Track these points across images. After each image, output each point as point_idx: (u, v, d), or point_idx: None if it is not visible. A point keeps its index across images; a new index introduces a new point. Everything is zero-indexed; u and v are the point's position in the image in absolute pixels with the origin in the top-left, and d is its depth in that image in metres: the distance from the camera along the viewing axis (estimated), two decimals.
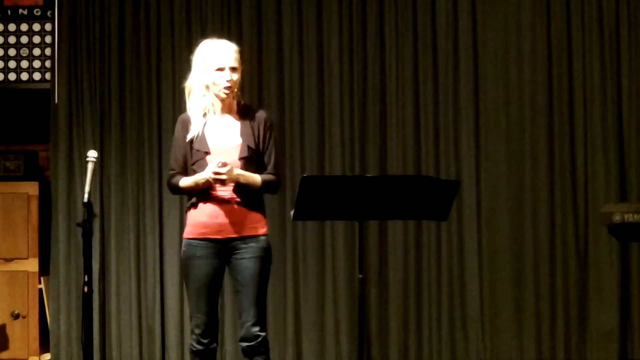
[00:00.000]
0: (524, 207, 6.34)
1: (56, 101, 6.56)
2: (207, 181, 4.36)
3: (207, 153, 4.40)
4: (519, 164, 6.36)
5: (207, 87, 4.44)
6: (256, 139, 4.45)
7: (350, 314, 6.35)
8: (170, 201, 6.49)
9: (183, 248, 4.51)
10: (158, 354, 6.48)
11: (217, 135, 4.44)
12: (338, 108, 6.45)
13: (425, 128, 6.42)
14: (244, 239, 4.43)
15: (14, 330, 6.50)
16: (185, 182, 4.46)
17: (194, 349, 4.47)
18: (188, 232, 4.49)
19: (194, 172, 4.41)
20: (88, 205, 4.84)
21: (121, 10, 6.56)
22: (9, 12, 6.64)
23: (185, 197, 6.40)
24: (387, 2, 6.44)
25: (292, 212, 4.48)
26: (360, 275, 4.45)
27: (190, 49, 6.42)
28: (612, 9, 6.32)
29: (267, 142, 4.49)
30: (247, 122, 4.47)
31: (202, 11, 6.53)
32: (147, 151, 6.53)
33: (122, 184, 6.54)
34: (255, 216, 4.46)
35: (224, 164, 4.29)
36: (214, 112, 4.47)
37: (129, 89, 6.55)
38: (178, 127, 4.53)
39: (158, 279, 6.48)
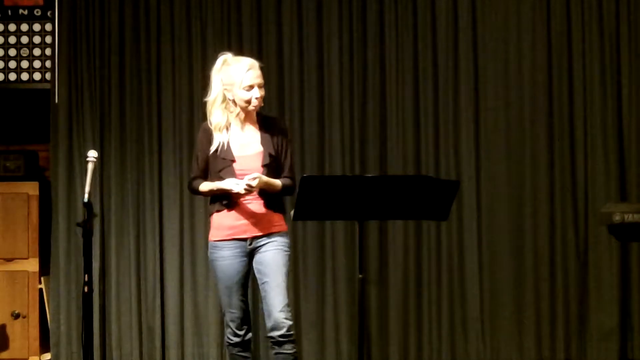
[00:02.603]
0: (524, 207, 6.35)
1: (56, 101, 6.56)
2: (223, 189, 4.61)
3: (233, 161, 4.64)
4: (519, 164, 6.36)
5: (234, 102, 4.67)
6: (275, 147, 4.69)
7: (350, 314, 6.35)
8: (171, 201, 6.49)
9: (211, 250, 4.76)
10: (158, 353, 6.47)
11: (240, 144, 4.68)
12: (338, 108, 6.45)
13: (425, 128, 6.42)
14: (268, 235, 4.67)
15: (14, 330, 6.50)
16: (206, 186, 4.71)
17: (231, 341, 4.71)
18: (214, 235, 4.74)
19: (220, 178, 4.64)
20: (88, 205, 4.85)
21: (121, 10, 6.55)
22: (9, 12, 6.64)
23: (183, 200, 6.45)
24: (387, 2, 6.44)
25: (292, 212, 4.49)
26: (360, 275, 4.46)
27: (190, 49, 6.52)
28: (612, 9, 6.32)
29: (284, 148, 4.72)
30: (266, 131, 4.72)
31: (202, 11, 6.53)
32: (147, 151, 6.53)
33: (122, 184, 6.54)
34: (277, 216, 4.70)
35: (255, 178, 4.54)
36: (237, 123, 4.70)
37: (129, 89, 6.55)
38: (201, 135, 4.74)
39: (158, 279, 6.48)
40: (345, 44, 6.45)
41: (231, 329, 4.70)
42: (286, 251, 4.69)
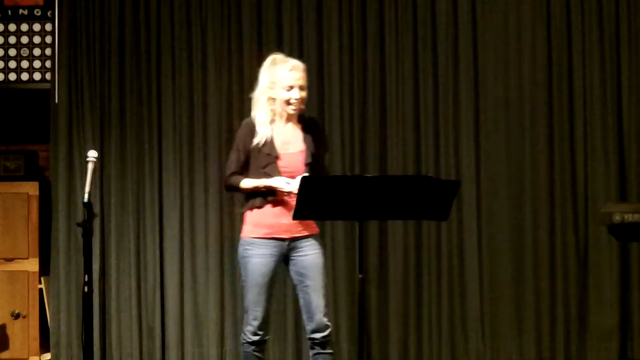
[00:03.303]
0: (524, 207, 6.34)
1: (56, 101, 6.56)
2: (271, 187, 4.69)
3: (278, 158, 4.73)
4: (519, 164, 6.36)
5: (274, 100, 4.76)
6: (315, 146, 4.81)
7: (350, 314, 6.35)
8: (171, 201, 6.49)
9: (245, 246, 4.76)
10: (158, 353, 6.48)
11: (283, 142, 4.77)
12: (338, 108, 6.45)
13: (425, 128, 6.42)
14: (306, 237, 4.77)
15: (14, 330, 6.50)
16: (249, 183, 4.74)
17: (249, 340, 4.74)
18: (251, 231, 4.76)
19: (265, 174, 4.70)
20: (88, 205, 4.86)
21: (121, 10, 6.56)
22: (9, 12, 6.64)
23: (183, 200, 6.45)
24: (387, 2, 6.44)
25: (292, 212, 4.48)
26: (360, 275, 4.45)
27: (190, 49, 6.52)
28: (612, 9, 6.32)
29: (322, 149, 4.87)
30: (307, 131, 4.84)
31: (202, 11, 6.53)
32: (147, 151, 6.53)
33: (122, 184, 6.54)
34: None
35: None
36: (279, 121, 4.80)
37: (129, 89, 6.55)
38: (244, 130, 4.80)
39: (158, 279, 6.48)
40: (345, 44, 6.44)
41: (252, 327, 4.73)
42: (323, 253, 4.82)
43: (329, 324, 4.76)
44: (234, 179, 4.77)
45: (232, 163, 4.79)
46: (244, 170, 4.76)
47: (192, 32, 6.53)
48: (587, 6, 6.33)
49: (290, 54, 6.43)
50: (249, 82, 6.42)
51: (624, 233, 4.84)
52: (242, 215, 4.85)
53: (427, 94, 6.42)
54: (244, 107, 6.44)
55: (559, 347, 6.30)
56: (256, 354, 4.75)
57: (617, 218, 4.75)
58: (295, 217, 4.45)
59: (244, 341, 4.77)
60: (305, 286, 4.75)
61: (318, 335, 4.73)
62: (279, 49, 6.44)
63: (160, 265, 6.49)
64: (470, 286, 6.35)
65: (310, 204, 4.34)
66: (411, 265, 6.39)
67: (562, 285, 6.32)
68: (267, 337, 4.79)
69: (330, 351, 4.77)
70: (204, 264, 6.45)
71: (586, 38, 6.34)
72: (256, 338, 4.74)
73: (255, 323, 4.73)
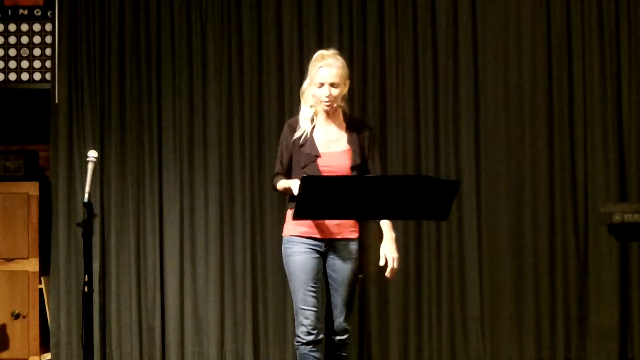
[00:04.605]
0: (524, 207, 6.35)
1: (56, 101, 6.56)
2: (290, 189, 4.69)
3: (318, 157, 4.73)
4: (519, 164, 6.36)
5: (314, 96, 4.76)
6: (362, 149, 4.79)
7: None
8: (171, 201, 6.49)
9: (286, 245, 4.78)
10: (158, 353, 6.47)
11: (326, 141, 4.77)
12: None
13: (425, 128, 6.42)
14: (342, 240, 4.76)
15: (14, 330, 6.50)
16: (281, 184, 4.80)
17: (304, 340, 4.67)
18: (290, 230, 4.78)
19: (304, 174, 4.59)
20: (88, 205, 4.86)
21: (121, 10, 6.56)
22: (9, 12, 6.64)
23: (183, 200, 6.45)
24: (387, 2, 6.44)
25: (292, 212, 4.48)
26: (361, 275, 4.46)
27: (190, 49, 6.52)
28: (612, 9, 6.33)
29: (371, 152, 4.82)
30: (353, 132, 4.80)
31: (202, 11, 6.53)
32: (147, 151, 6.53)
33: (122, 184, 6.54)
34: (352, 220, 4.75)
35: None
36: (322, 119, 4.79)
37: (129, 89, 6.55)
38: (284, 130, 4.84)
39: (158, 279, 6.48)
40: (345, 44, 6.44)
41: (305, 327, 4.66)
42: (356, 259, 4.76)
43: (349, 328, 4.75)
44: (275, 179, 4.83)
45: (277, 164, 4.84)
46: (289, 170, 4.79)
47: (192, 32, 6.53)
48: (587, 6, 6.34)
49: (290, 54, 6.46)
50: (249, 81, 6.47)
51: (624, 233, 4.84)
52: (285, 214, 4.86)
53: (427, 94, 6.42)
54: (244, 107, 6.47)
55: (559, 347, 6.30)
56: (313, 354, 4.67)
57: (617, 218, 4.74)
58: (295, 217, 4.44)
59: (298, 343, 4.67)
60: (333, 289, 4.77)
61: (336, 338, 4.75)
62: (279, 49, 6.47)
63: (160, 265, 6.49)
64: (470, 286, 6.35)
65: (311, 203, 4.33)
66: (411, 265, 6.39)
67: (562, 285, 6.32)
68: (321, 336, 4.69)
69: (345, 354, 4.75)
70: (204, 264, 6.45)
71: (586, 38, 6.34)
72: (310, 338, 4.65)
73: (308, 322, 4.65)
